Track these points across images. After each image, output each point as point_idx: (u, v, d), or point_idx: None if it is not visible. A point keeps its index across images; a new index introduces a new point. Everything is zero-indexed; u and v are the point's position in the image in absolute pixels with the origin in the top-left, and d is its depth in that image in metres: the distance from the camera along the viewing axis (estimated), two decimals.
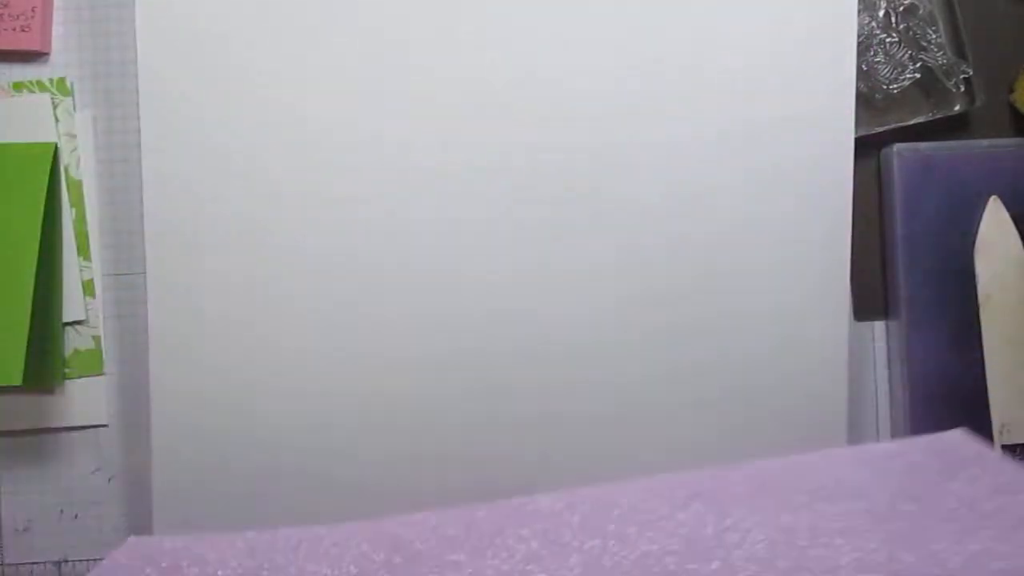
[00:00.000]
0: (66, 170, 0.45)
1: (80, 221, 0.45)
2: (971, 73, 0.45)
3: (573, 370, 0.42)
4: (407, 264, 0.41)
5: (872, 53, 0.43)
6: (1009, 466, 0.32)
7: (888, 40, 0.43)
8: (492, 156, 0.41)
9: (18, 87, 0.45)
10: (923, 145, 0.46)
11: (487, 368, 0.41)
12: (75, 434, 0.46)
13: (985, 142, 0.47)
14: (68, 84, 0.45)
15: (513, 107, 0.41)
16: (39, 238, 0.42)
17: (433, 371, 0.41)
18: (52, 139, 0.44)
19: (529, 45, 0.40)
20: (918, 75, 0.45)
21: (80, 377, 0.45)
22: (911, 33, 0.39)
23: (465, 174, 0.41)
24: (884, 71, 0.43)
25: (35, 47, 0.43)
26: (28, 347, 0.41)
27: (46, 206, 0.43)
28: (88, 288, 0.45)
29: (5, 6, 0.43)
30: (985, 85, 0.46)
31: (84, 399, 0.45)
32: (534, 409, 0.42)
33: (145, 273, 0.42)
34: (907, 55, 0.41)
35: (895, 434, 0.46)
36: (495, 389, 0.41)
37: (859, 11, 0.42)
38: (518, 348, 0.41)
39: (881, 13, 0.43)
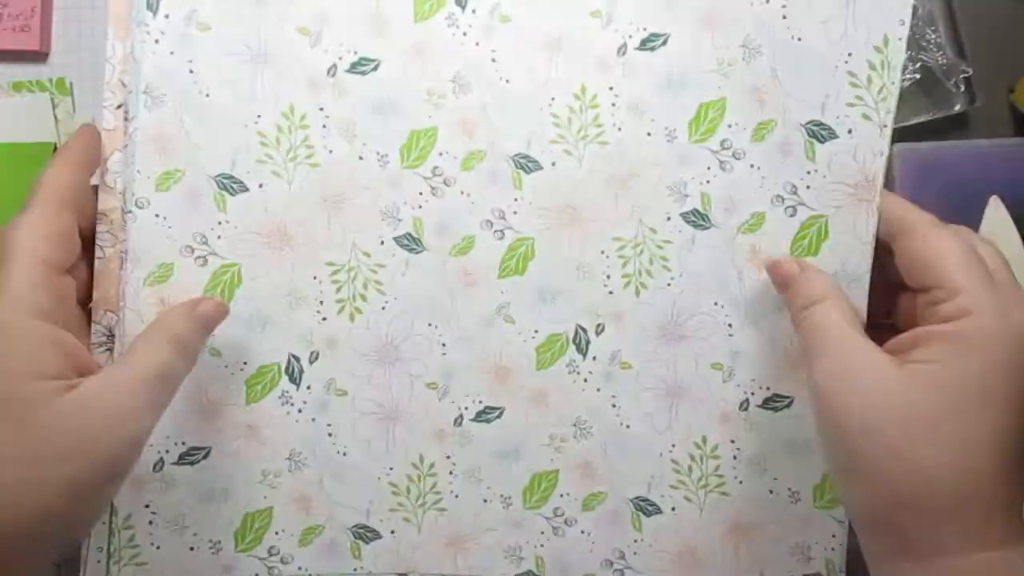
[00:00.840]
0: None
1: None
2: (971, 73, 0.46)
3: None
4: None
5: None
6: None
7: None
8: None
9: (18, 87, 0.44)
10: (923, 145, 0.47)
11: None
12: None
13: (985, 142, 0.48)
14: (68, 84, 0.44)
15: None
16: None
17: None
18: (52, 139, 0.44)
19: None
20: (918, 75, 0.47)
21: None
22: (911, 33, 0.41)
23: None
24: None
25: (35, 47, 0.43)
26: None
27: None
28: None
29: (5, 6, 0.43)
30: (985, 85, 0.47)
31: None
32: None
33: None
34: (907, 55, 0.42)
35: None
36: None
37: None
38: None
39: None
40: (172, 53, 0.40)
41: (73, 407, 0.32)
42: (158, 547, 0.41)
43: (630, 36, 0.41)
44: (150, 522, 0.41)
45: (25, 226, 0.35)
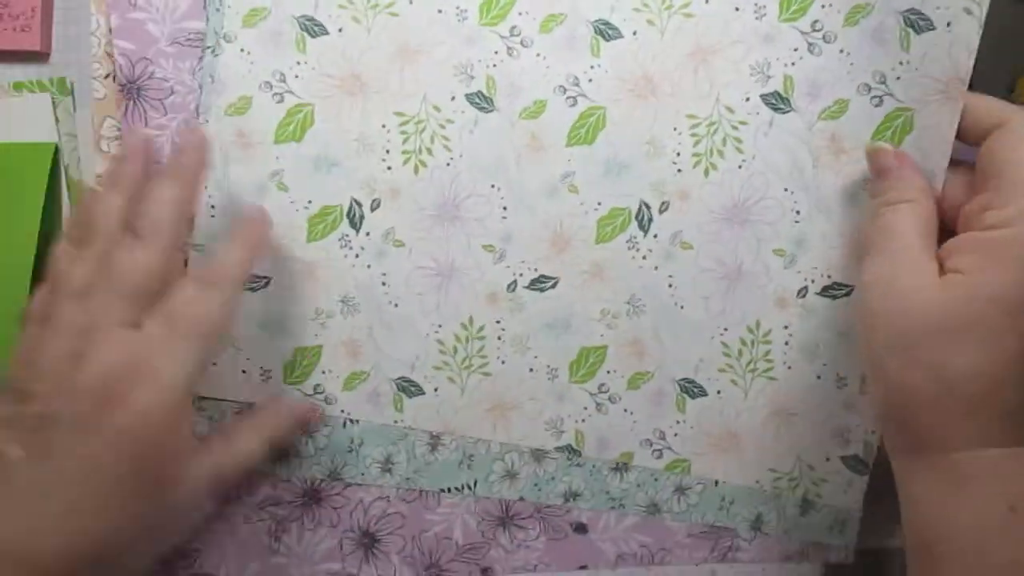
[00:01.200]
0: (66, 170, 0.44)
1: None
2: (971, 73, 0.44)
3: None
4: None
5: None
6: None
7: None
8: None
9: (18, 87, 0.44)
10: None
11: None
12: None
13: None
14: (68, 84, 0.44)
15: None
16: (39, 238, 0.42)
17: None
18: (52, 139, 0.44)
19: None
20: None
21: None
22: None
23: None
24: None
25: (35, 47, 0.43)
26: None
27: (46, 206, 0.43)
28: None
29: (5, 6, 0.43)
30: (985, 85, 0.44)
31: None
32: None
33: None
34: None
35: None
36: None
37: None
38: None
39: None
40: None
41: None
42: (214, 363, 0.42)
43: None
44: None
45: (205, 303, 0.35)
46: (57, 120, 0.44)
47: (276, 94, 0.42)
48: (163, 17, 0.42)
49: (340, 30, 0.41)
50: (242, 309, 0.42)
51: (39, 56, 0.44)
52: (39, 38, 0.43)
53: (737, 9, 0.40)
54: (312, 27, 0.41)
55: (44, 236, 0.42)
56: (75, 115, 0.44)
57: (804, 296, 0.41)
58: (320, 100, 0.42)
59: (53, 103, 0.44)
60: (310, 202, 0.42)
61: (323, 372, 0.43)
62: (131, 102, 0.42)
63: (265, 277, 0.42)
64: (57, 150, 0.44)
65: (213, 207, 0.42)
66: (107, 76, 0.43)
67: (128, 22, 0.42)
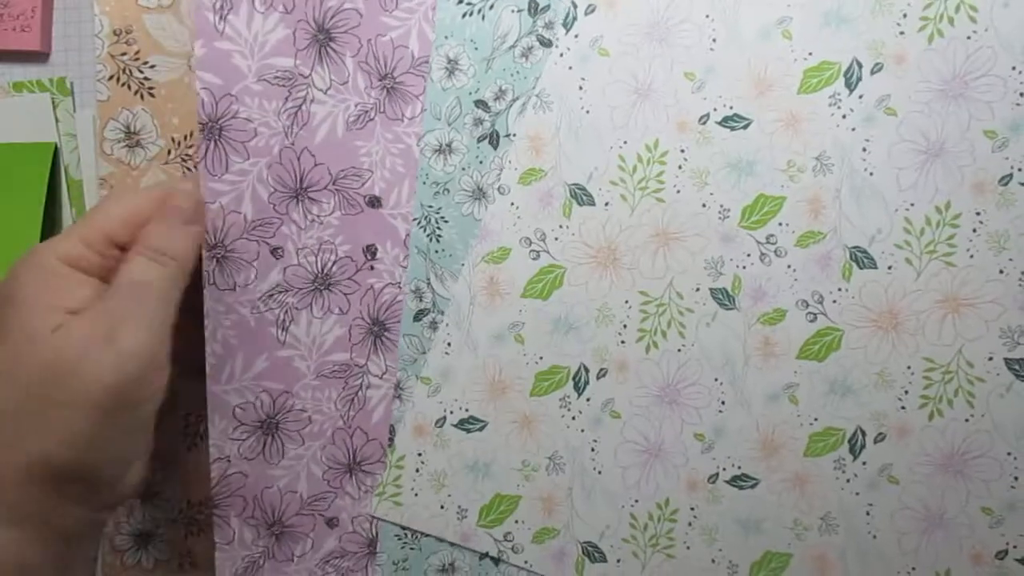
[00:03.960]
0: (66, 170, 0.44)
1: None
2: None
3: None
4: None
5: None
6: None
7: None
8: None
9: (18, 87, 0.44)
10: None
11: None
12: None
13: None
14: (68, 84, 0.44)
15: None
16: (39, 238, 0.42)
17: None
18: (52, 139, 0.44)
19: None
20: None
21: None
22: None
23: None
24: None
25: (35, 47, 0.43)
26: None
27: (46, 206, 0.43)
28: None
29: (5, 6, 0.43)
30: None
31: None
32: None
33: None
34: None
35: None
36: None
37: None
38: None
39: None
40: (570, 68, 0.43)
41: (60, 336, 0.32)
42: (416, 494, 0.44)
43: (1020, 169, 0.41)
44: (417, 470, 0.44)
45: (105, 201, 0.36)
46: (57, 120, 0.44)
47: (533, 251, 0.43)
48: (251, 51, 0.39)
49: (607, 204, 0.43)
50: (454, 446, 0.44)
51: (39, 56, 0.44)
52: (39, 38, 0.43)
53: (1002, 271, 0.41)
54: (581, 195, 0.43)
55: (44, 236, 0.42)
56: (75, 115, 0.44)
57: (1003, 559, 0.42)
58: (572, 265, 0.43)
59: (53, 103, 0.44)
60: (541, 358, 0.44)
61: (516, 521, 0.44)
62: (211, 143, 0.39)
63: (482, 421, 0.44)
64: (57, 150, 0.44)
65: (449, 344, 0.44)
66: (110, 78, 0.42)
67: (214, 52, 0.38)
